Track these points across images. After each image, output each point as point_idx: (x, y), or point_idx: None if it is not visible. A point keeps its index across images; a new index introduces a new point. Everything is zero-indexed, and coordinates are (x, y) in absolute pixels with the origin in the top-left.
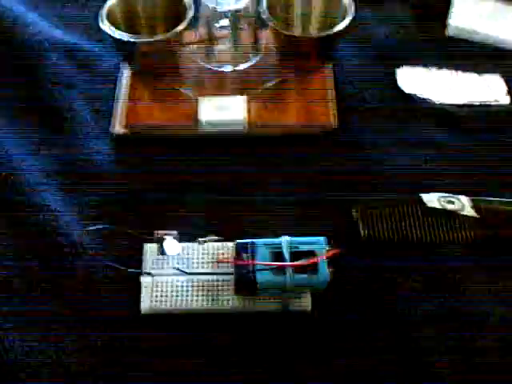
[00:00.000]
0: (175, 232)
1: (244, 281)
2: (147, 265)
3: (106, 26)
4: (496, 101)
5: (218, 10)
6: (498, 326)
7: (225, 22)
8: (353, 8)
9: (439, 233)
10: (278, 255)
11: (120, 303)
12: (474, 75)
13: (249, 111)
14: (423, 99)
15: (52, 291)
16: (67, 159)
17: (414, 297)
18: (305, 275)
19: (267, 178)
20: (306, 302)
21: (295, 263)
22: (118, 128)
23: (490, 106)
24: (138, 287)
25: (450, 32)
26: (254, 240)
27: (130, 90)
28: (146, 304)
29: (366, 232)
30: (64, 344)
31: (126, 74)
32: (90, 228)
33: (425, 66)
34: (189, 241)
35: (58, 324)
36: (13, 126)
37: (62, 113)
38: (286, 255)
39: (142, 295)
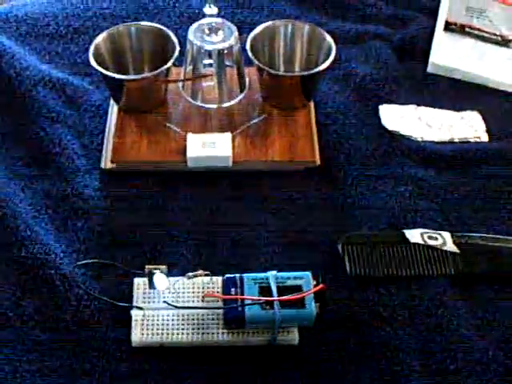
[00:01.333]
0: (164, 266)
1: (233, 315)
2: (137, 299)
3: (94, 63)
4: (476, 138)
5: (204, 48)
6: (481, 362)
7: (211, 60)
8: (334, 48)
9: (422, 267)
10: (265, 289)
11: (111, 336)
12: (454, 113)
13: (234, 147)
14: (405, 136)
15: (45, 324)
16: (57, 193)
17: (398, 331)
18: (292, 310)
19: (253, 212)
20: (293, 336)
21: (283, 298)
22: (108, 163)
23: (469, 142)
24: (128, 320)
25: (430, 69)
26: (241, 275)
27: (119, 125)
28: (136, 337)
29: (352, 267)
30: (57, 375)
31: (114, 109)
32: (83, 262)
33: (406, 103)
34: (178, 275)
35: (52, 357)
36: (1, 160)
37: (51, 147)
38: (274, 290)
39: (132, 328)
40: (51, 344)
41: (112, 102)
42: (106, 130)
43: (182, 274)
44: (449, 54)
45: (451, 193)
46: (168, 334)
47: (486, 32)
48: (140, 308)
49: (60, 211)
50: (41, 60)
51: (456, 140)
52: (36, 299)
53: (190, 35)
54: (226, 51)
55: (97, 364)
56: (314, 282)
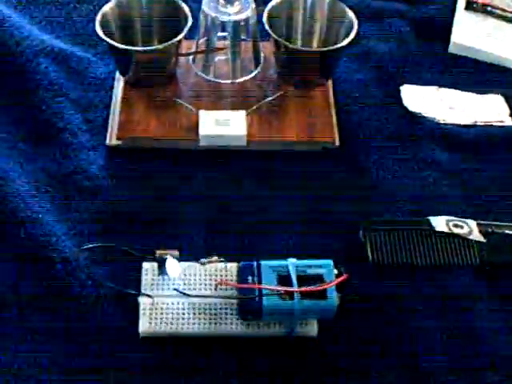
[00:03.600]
0: (177, 252)
1: (249, 305)
2: (145, 286)
3: (100, 33)
4: (499, 121)
5: (219, 19)
6: (508, 357)
7: (225, 32)
8: (356, 23)
9: (447, 256)
10: (284, 278)
11: (117, 324)
12: (477, 95)
13: (249, 126)
14: (427, 118)
15: (44, 311)
16: (59, 171)
17: (422, 324)
18: (313, 301)
19: (269, 195)
20: (312, 327)
21: (304, 289)
22: (113, 140)
23: (492, 126)
24: (136, 308)
25: (452, 49)
26: (259, 262)
27: (125, 100)
28: (144, 326)
29: (374, 255)
30: (57, 367)
31: (120, 82)
32: (88, 246)
33: (427, 83)
34: (188, 261)
35: (53, 345)
36: (1, 136)
37: (53, 122)
38: (294, 279)
39: (140, 317)
40: (51, 333)
41: (118, 75)
42: (112, 104)
43: (194, 260)
44: (471, 34)
45: (476, 178)
46: (178, 323)
47: (509, 12)
48: (149, 295)
49: (62, 190)
50: (42, 30)
51: (479, 123)
52: (35, 284)
53: (205, 5)
54: (241, 23)
55: (100, 355)
56: (336, 271)
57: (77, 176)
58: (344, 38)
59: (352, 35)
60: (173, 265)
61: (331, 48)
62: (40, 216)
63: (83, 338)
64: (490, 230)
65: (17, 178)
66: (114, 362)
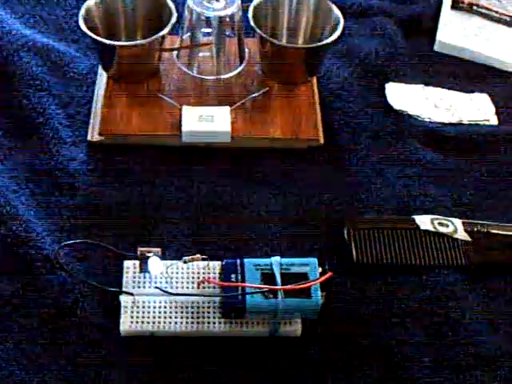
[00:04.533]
0: (159, 249)
1: (232, 304)
2: (127, 284)
3: (84, 28)
4: (485, 120)
5: (204, 15)
6: (494, 357)
7: (209, 28)
8: (342, 21)
9: (432, 256)
10: (268, 276)
11: (98, 323)
12: (463, 94)
13: (233, 122)
14: (412, 116)
15: (24, 308)
16: (40, 167)
17: (407, 324)
18: (297, 299)
19: (254, 192)
20: (296, 327)
21: (288, 287)
22: (95, 135)
23: (478, 125)
24: (117, 307)
25: (437, 48)
26: (242, 259)
27: (108, 95)
28: (125, 325)
29: (359, 255)
30: (37, 365)
31: (103, 77)
32: (67, 243)
33: (413, 81)
34: (171, 259)
35: (30, 345)
36: None
37: (34, 117)
38: (278, 277)
39: (121, 316)
40: (30, 332)
41: (100, 70)
42: (94, 99)
43: (177, 258)
44: (456, 33)
45: (461, 177)
46: (160, 322)
47: (495, 11)
48: (130, 293)
49: (43, 186)
50: (24, 24)
51: (465, 122)
52: (14, 282)
53: (190, 1)
54: (226, 19)
55: (81, 355)
56: (320, 270)
57: (57, 172)
58: (329, 35)
59: (338, 32)
60: (155, 263)
61: (316, 45)
62: (20, 212)
63: (63, 337)
64: (475, 228)
65: None
66: (95, 361)
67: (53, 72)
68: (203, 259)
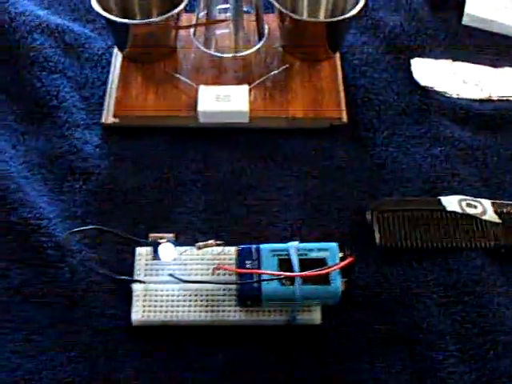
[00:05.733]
0: (171, 235)
1: (248, 291)
2: (139, 271)
3: (96, 7)
4: None
5: None
6: None
7: (226, 4)
8: None
9: (459, 238)
10: (285, 263)
11: (109, 313)
12: (492, 69)
13: (252, 102)
14: (439, 93)
15: (34, 298)
16: (53, 151)
17: (432, 310)
18: (315, 286)
19: (272, 174)
20: (315, 315)
21: (305, 273)
22: (109, 118)
23: (508, 101)
24: (129, 295)
25: (465, 21)
26: (258, 245)
27: (123, 76)
28: (137, 314)
29: (382, 238)
30: (46, 356)
31: (118, 59)
32: (77, 229)
33: (440, 56)
34: (186, 245)
35: (39, 336)
36: None
37: (47, 100)
38: (295, 263)
39: (133, 305)
40: (40, 321)
41: (116, 50)
42: (109, 81)
43: (191, 244)
44: (485, 5)
45: (491, 156)
46: (173, 311)
47: None
48: (142, 282)
49: (55, 171)
50: (38, 5)
51: (494, 98)
52: (25, 270)
53: None
54: None
55: (92, 345)
56: (341, 255)
57: (71, 156)
58: (352, 9)
59: (360, 5)
60: (167, 249)
61: (338, 19)
62: (32, 199)
63: (74, 327)
64: (505, 210)
65: (8, 159)
66: (106, 351)
67: (67, 53)
68: (218, 245)
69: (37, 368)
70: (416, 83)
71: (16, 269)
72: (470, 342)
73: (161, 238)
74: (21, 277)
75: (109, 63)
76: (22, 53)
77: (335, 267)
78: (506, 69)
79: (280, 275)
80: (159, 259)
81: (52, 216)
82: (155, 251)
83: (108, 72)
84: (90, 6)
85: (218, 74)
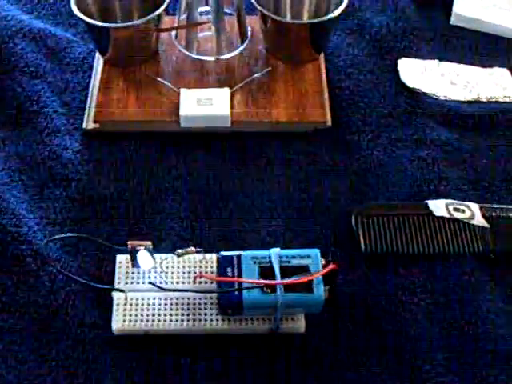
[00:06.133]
0: (149, 243)
1: (228, 300)
2: (119, 279)
3: (76, 11)
4: (505, 97)
5: None
6: None
7: (207, 7)
8: None
9: (447, 244)
10: (266, 270)
11: (90, 321)
12: (481, 69)
13: (234, 105)
14: (427, 94)
15: (13, 307)
16: (33, 157)
17: (419, 318)
18: (298, 294)
19: (254, 180)
20: (299, 323)
21: (286, 281)
22: (90, 123)
23: (497, 102)
24: (109, 303)
25: (453, 21)
26: (239, 252)
27: (104, 81)
28: (118, 323)
29: (367, 243)
30: (26, 367)
31: (100, 63)
32: (56, 237)
33: (427, 57)
34: (167, 252)
35: (19, 345)
36: None
37: (28, 105)
38: (277, 271)
39: (113, 313)
40: (19, 331)
41: (98, 55)
42: (91, 85)
43: (172, 251)
44: (474, 4)
45: (480, 158)
46: (154, 320)
47: None
48: (121, 290)
49: (35, 177)
50: (21, 9)
51: (483, 99)
52: (3, 278)
53: None
54: None
55: (72, 355)
56: (324, 262)
57: (51, 162)
58: (335, 9)
59: (343, 5)
60: (145, 257)
61: (321, 20)
62: (11, 205)
63: (54, 336)
64: (494, 214)
65: None
66: (87, 360)
67: (48, 58)
68: (197, 252)
69: (17, 379)
70: (403, 84)
71: None
72: (459, 351)
73: (139, 246)
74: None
75: (90, 68)
76: (3, 57)
77: (317, 274)
78: (495, 69)
79: (260, 283)
80: (138, 267)
81: (32, 223)
82: (134, 259)
83: (89, 77)
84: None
85: (201, 77)
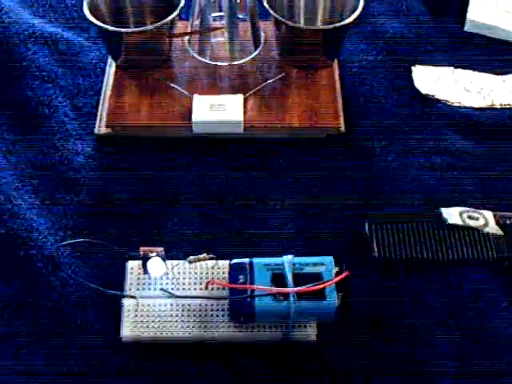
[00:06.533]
0: (161, 249)
1: (240, 308)
2: (130, 285)
3: (88, 15)
4: None
5: None
6: None
7: (221, 12)
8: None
9: (460, 252)
10: (279, 277)
11: (99, 327)
12: (495, 76)
13: (247, 111)
14: (441, 101)
15: (23, 311)
16: (44, 161)
17: (431, 327)
18: (310, 302)
19: (267, 186)
20: (310, 331)
21: (299, 289)
22: (102, 128)
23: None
24: (120, 309)
25: (467, 28)
26: (252, 259)
27: (116, 85)
28: (127, 330)
29: (380, 250)
30: (34, 375)
31: (112, 68)
32: (67, 242)
33: (441, 64)
34: (178, 258)
35: (30, 349)
36: None
37: (39, 109)
38: (289, 278)
39: (123, 320)
40: (29, 336)
41: (110, 59)
42: (102, 90)
43: (184, 256)
44: (488, 11)
45: (493, 166)
46: (165, 327)
47: None
48: (132, 296)
49: (47, 182)
50: (33, 14)
51: (497, 106)
52: (14, 283)
53: None
54: (238, 1)
55: (81, 361)
56: (337, 269)
57: (62, 167)
58: (350, 15)
59: (358, 11)
60: (156, 263)
61: (336, 26)
62: (22, 210)
63: (63, 341)
64: (508, 221)
65: None
66: (96, 367)
67: (60, 62)
68: (210, 258)
69: (27, 382)
70: (417, 91)
71: (4, 283)
72: (472, 361)
73: (151, 252)
74: (10, 290)
75: (102, 72)
76: (15, 62)
77: (329, 282)
78: (509, 76)
79: (273, 291)
80: (150, 273)
81: (42, 228)
82: (145, 265)
83: (101, 81)
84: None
85: (213, 82)
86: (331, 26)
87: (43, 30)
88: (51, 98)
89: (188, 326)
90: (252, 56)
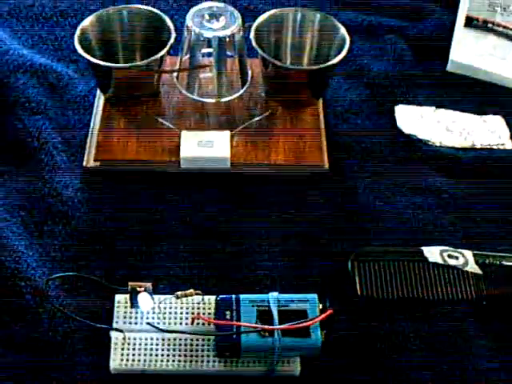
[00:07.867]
0: (149, 284)
1: (226, 343)
2: (117, 319)
3: (79, 49)
4: (499, 144)
5: (203, 35)
6: None
7: (210, 49)
8: (348, 40)
9: (441, 290)
10: (265, 313)
11: (87, 360)
12: (476, 116)
13: (234, 147)
14: (422, 140)
15: (11, 343)
16: (33, 194)
17: (413, 362)
18: (295, 339)
19: (254, 221)
20: (294, 366)
21: (285, 326)
22: (91, 161)
23: (492, 149)
24: (108, 342)
25: (450, 68)
26: (238, 295)
27: (105, 119)
28: (116, 362)
29: (363, 288)
30: None
31: (101, 101)
32: (55, 276)
33: (424, 103)
34: (166, 292)
35: (17, 381)
36: None
37: (27, 141)
38: (275, 315)
39: (111, 352)
40: (17, 368)
41: (99, 92)
42: (91, 123)
43: (171, 291)
44: (470, 52)
45: (473, 205)
46: (152, 360)
47: (511, 29)
48: (119, 330)
49: (35, 214)
50: (23, 44)
51: (478, 146)
52: (2, 314)
53: (188, 20)
54: (227, 39)
55: None
56: (321, 306)
57: (51, 199)
58: (336, 56)
59: (343, 52)
60: (145, 298)
61: (321, 66)
62: (10, 241)
63: (51, 375)
64: (487, 261)
65: None
66: None
67: (50, 94)
68: (197, 294)
69: None
70: (399, 130)
71: None
72: None
73: (139, 287)
74: None
75: (91, 105)
76: (4, 93)
77: (314, 320)
78: (490, 116)
79: (259, 328)
80: (137, 307)
81: (31, 260)
82: (133, 299)
83: (90, 114)
84: (74, 46)
85: (201, 118)
86: (316, 67)
87: (33, 61)
88: (40, 129)
89: (174, 360)
90: (239, 93)
